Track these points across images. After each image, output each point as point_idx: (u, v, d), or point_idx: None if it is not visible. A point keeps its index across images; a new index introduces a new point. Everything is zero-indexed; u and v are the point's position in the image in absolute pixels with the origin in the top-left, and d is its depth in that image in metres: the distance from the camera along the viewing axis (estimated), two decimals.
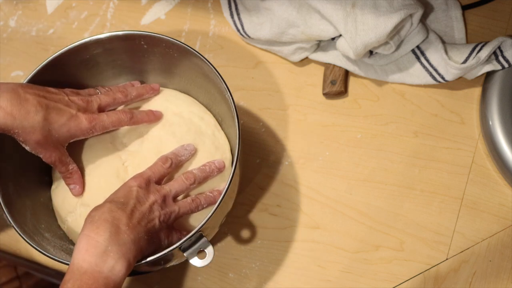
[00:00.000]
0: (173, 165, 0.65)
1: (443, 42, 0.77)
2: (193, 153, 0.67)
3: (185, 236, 0.60)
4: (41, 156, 0.62)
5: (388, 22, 0.70)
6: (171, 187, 0.63)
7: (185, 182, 0.64)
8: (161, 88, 0.75)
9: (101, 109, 0.66)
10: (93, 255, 0.53)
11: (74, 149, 0.71)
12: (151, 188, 0.62)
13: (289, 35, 0.77)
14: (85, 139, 0.71)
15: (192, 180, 0.65)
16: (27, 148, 0.61)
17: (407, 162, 0.76)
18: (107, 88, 0.70)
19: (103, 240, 0.54)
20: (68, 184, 0.67)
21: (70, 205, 0.68)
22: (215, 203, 0.62)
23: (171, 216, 0.62)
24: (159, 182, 0.64)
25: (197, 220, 0.67)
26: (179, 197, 0.65)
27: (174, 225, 0.64)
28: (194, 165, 0.68)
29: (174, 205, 0.62)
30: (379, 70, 0.79)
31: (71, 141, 0.64)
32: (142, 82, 0.76)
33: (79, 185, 0.67)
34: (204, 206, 0.65)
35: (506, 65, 0.74)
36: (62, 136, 0.62)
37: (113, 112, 0.67)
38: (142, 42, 0.69)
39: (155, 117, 0.69)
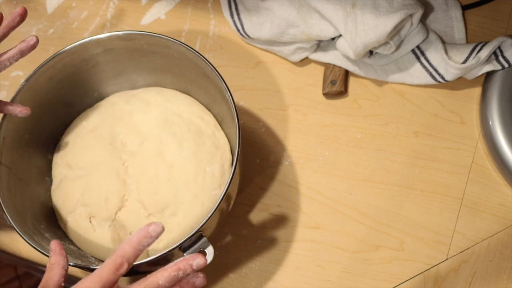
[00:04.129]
0: (129, 267, 0.51)
1: (443, 42, 0.77)
2: (159, 235, 0.51)
3: None
4: None
5: (388, 22, 0.70)
6: None
7: None
8: (161, 88, 0.76)
9: None
10: None
11: (74, 149, 0.71)
12: None
13: (289, 35, 0.77)
14: (84, 139, 0.72)
15: None
16: None
17: (407, 162, 0.76)
18: None
19: None
20: None
21: (70, 205, 0.68)
22: None
23: None
24: None
25: (197, 220, 0.67)
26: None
27: None
28: (189, 176, 0.68)
29: None
30: (379, 70, 0.79)
31: None
32: (142, 82, 0.76)
33: None
34: None
35: (506, 65, 0.74)
36: None
37: None
38: (142, 42, 0.69)
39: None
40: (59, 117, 0.74)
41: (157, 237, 0.51)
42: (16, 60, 0.65)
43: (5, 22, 0.65)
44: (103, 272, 0.50)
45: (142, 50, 0.70)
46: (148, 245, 0.51)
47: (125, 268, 0.51)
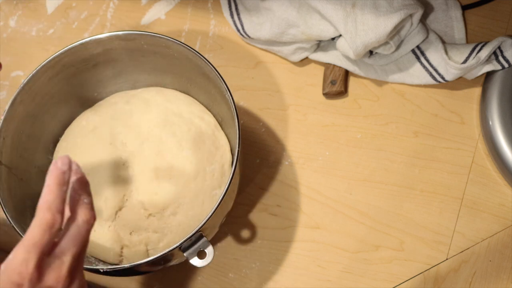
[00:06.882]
0: (62, 217, 0.45)
1: (443, 42, 0.77)
2: (71, 163, 0.45)
3: None
4: None
5: (388, 22, 0.70)
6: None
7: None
8: (161, 88, 0.75)
9: None
10: None
11: (74, 149, 0.71)
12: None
13: (289, 35, 0.77)
14: (84, 139, 0.72)
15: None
16: None
17: (407, 162, 0.76)
18: None
19: None
20: None
21: None
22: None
23: None
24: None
25: (197, 220, 0.67)
26: None
27: None
28: (192, 174, 0.68)
29: None
30: (379, 70, 0.79)
31: None
32: (142, 82, 0.76)
33: None
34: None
35: (506, 65, 0.74)
36: None
37: None
38: (142, 42, 0.69)
39: None
40: (59, 117, 0.74)
41: (71, 168, 0.43)
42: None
43: None
44: (35, 235, 0.43)
45: (142, 50, 0.70)
46: (68, 181, 0.44)
47: (58, 221, 0.43)
